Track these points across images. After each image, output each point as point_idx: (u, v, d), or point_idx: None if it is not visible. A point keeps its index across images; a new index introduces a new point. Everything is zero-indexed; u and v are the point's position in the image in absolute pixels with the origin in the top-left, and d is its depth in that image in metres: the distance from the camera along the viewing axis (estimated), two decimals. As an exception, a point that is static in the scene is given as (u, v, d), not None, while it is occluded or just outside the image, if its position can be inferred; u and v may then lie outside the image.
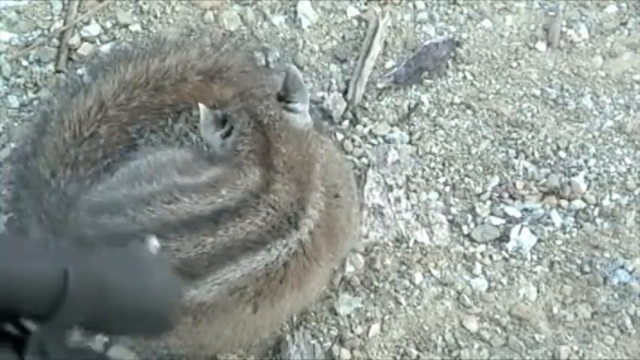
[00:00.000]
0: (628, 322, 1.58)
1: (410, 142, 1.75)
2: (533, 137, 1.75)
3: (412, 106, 1.79)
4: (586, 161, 1.73)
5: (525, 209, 1.68)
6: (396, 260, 1.63)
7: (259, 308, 1.36)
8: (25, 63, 1.82)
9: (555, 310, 1.60)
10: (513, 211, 1.68)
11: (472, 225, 1.67)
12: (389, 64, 1.84)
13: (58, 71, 1.80)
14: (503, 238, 1.66)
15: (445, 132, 1.76)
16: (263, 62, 1.82)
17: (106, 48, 1.83)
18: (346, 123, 1.77)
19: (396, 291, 1.61)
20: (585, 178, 1.71)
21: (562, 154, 1.74)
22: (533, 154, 1.73)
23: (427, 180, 1.72)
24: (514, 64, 1.84)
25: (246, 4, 1.90)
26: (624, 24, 1.88)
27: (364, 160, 1.73)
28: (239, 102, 1.47)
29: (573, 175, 1.71)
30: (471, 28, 1.88)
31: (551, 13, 1.89)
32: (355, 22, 1.88)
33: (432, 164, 1.73)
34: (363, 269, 1.62)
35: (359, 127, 1.77)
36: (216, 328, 1.37)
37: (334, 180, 1.46)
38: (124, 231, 1.35)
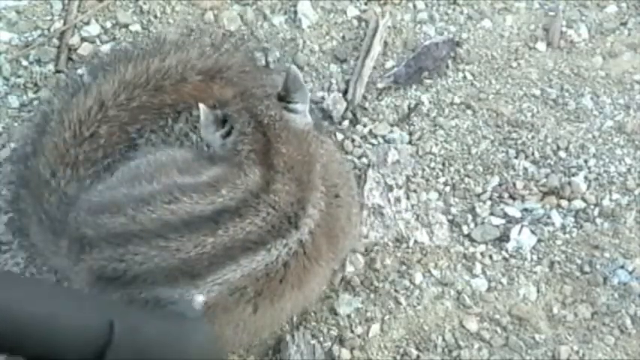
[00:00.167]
0: (628, 322, 1.57)
1: (410, 142, 1.75)
2: (533, 137, 1.75)
3: (412, 106, 1.78)
4: (586, 161, 1.73)
5: (525, 209, 1.68)
6: (396, 260, 1.63)
7: (259, 308, 1.36)
8: (25, 63, 1.82)
9: (555, 310, 1.59)
10: (513, 211, 1.68)
11: (472, 225, 1.67)
12: (389, 64, 1.84)
13: (58, 71, 1.80)
14: (503, 238, 1.66)
15: (445, 132, 1.76)
16: (263, 62, 1.82)
17: (106, 48, 1.83)
18: (346, 123, 1.77)
19: (396, 291, 1.61)
20: (585, 178, 1.71)
21: (562, 154, 1.74)
22: (533, 154, 1.73)
23: (427, 180, 1.72)
24: (514, 64, 1.84)
25: (246, 4, 1.90)
26: (624, 24, 1.88)
27: (364, 160, 1.73)
28: (239, 102, 1.47)
29: (573, 175, 1.71)
30: (470, 28, 1.88)
31: (551, 13, 1.89)
32: (355, 22, 1.88)
33: (432, 164, 1.73)
34: (363, 269, 1.62)
35: (359, 127, 1.77)
36: (216, 329, 1.37)
37: (334, 180, 1.46)
38: (124, 231, 1.35)
